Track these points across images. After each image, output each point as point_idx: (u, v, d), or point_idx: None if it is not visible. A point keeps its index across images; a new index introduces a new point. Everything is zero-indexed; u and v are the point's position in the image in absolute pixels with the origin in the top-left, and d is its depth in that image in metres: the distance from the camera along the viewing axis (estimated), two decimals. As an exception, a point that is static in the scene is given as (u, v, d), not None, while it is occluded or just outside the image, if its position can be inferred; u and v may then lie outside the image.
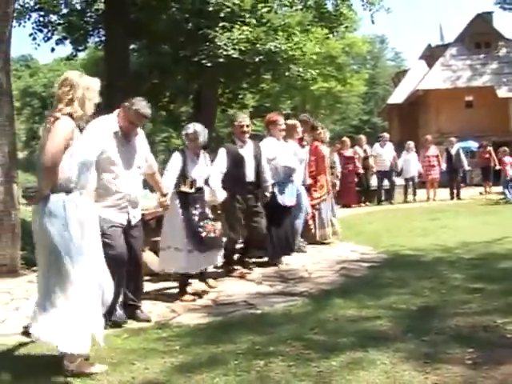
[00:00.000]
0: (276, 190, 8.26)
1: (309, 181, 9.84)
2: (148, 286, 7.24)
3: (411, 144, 19.15)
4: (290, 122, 9.25)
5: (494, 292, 5.99)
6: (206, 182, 6.83)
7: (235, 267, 7.86)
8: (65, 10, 18.38)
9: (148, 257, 7.98)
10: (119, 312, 5.49)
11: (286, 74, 16.89)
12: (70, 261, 4.09)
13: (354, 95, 46.77)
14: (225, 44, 14.64)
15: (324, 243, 10.01)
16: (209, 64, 14.79)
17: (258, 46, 15.32)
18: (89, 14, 18.46)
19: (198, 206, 6.56)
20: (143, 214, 7.72)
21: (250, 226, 7.73)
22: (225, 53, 14.73)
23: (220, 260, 7.05)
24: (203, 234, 6.40)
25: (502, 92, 31.67)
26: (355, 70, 49.68)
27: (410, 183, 18.95)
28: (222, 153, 7.63)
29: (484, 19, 34.73)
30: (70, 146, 4.17)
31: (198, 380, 3.98)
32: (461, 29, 35.38)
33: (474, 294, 5.92)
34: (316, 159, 10.08)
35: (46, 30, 18.44)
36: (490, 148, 20.82)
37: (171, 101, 22.27)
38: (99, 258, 4.38)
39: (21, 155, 47.17)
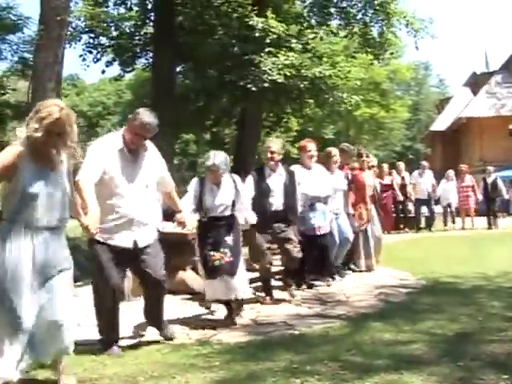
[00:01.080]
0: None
1: (350, 211, 9.67)
2: (189, 304, 7.45)
3: (451, 173, 19.21)
4: (327, 149, 9.31)
5: (532, 321, 6.02)
6: (233, 208, 6.64)
7: (272, 296, 7.61)
8: (114, 33, 18.88)
9: (188, 276, 8.18)
10: (115, 348, 5.35)
11: (330, 99, 17.04)
12: None
13: (397, 121, 46.67)
14: (270, 69, 14.88)
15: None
16: (254, 88, 15.02)
17: (302, 71, 15.57)
18: (137, 37, 18.93)
19: (212, 234, 6.47)
20: (186, 234, 7.95)
21: (283, 251, 7.63)
22: (269, 78, 14.98)
23: (244, 292, 6.66)
24: (209, 264, 6.38)
25: (547, 120, 31.34)
26: (399, 97, 49.62)
27: (448, 211, 18.98)
28: (250, 181, 7.50)
29: (530, 47, 34.55)
30: (15, 174, 3.99)
31: (236, 395, 4.12)
32: (506, 57, 35.26)
33: (511, 322, 5.95)
34: (355, 188, 9.95)
35: (95, 52, 19.02)
36: None
37: (215, 123, 22.59)
38: (45, 298, 4.13)
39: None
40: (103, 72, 19.56)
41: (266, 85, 15.03)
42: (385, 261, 10.63)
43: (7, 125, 20.46)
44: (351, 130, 41.06)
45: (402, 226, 18.11)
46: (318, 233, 8.29)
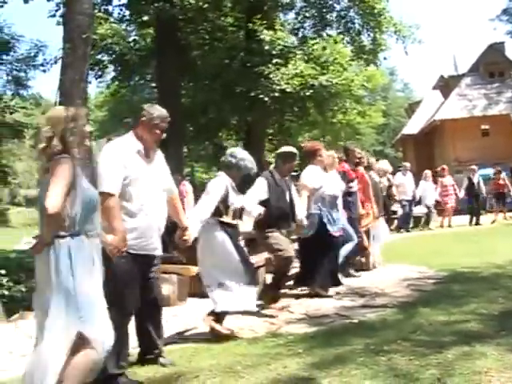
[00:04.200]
0: (325, 219, 8.29)
1: (362, 211, 9.98)
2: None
3: (428, 173, 19.98)
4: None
5: None
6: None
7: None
8: (118, 49, 18.93)
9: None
10: (123, 380, 4.72)
11: (335, 108, 17.66)
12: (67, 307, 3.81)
13: (369, 127, 47.44)
14: (278, 80, 15.58)
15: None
16: (266, 99, 15.61)
17: (308, 80, 16.15)
18: (138, 53, 19.15)
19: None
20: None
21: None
22: (278, 87, 15.62)
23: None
24: None
25: (518, 119, 32.35)
26: (369, 103, 50.43)
27: (431, 210, 19.83)
28: (263, 183, 7.60)
29: (496, 49, 35.58)
30: (73, 186, 3.91)
31: (336, 373, 4.56)
32: (473, 59, 36.29)
33: (545, 300, 6.60)
34: (363, 187, 10.20)
35: (97, 68, 19.18)
36: (503, 174, 21.26)
37: (220, 134, 23.18)
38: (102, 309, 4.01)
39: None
40: (108, 87, 19.93)
41: (276, 94, 15.70)
42: (396, 257, 11.22)
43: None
44: (327, 137, 41.51)
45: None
46: (336, 234, 8.47)
